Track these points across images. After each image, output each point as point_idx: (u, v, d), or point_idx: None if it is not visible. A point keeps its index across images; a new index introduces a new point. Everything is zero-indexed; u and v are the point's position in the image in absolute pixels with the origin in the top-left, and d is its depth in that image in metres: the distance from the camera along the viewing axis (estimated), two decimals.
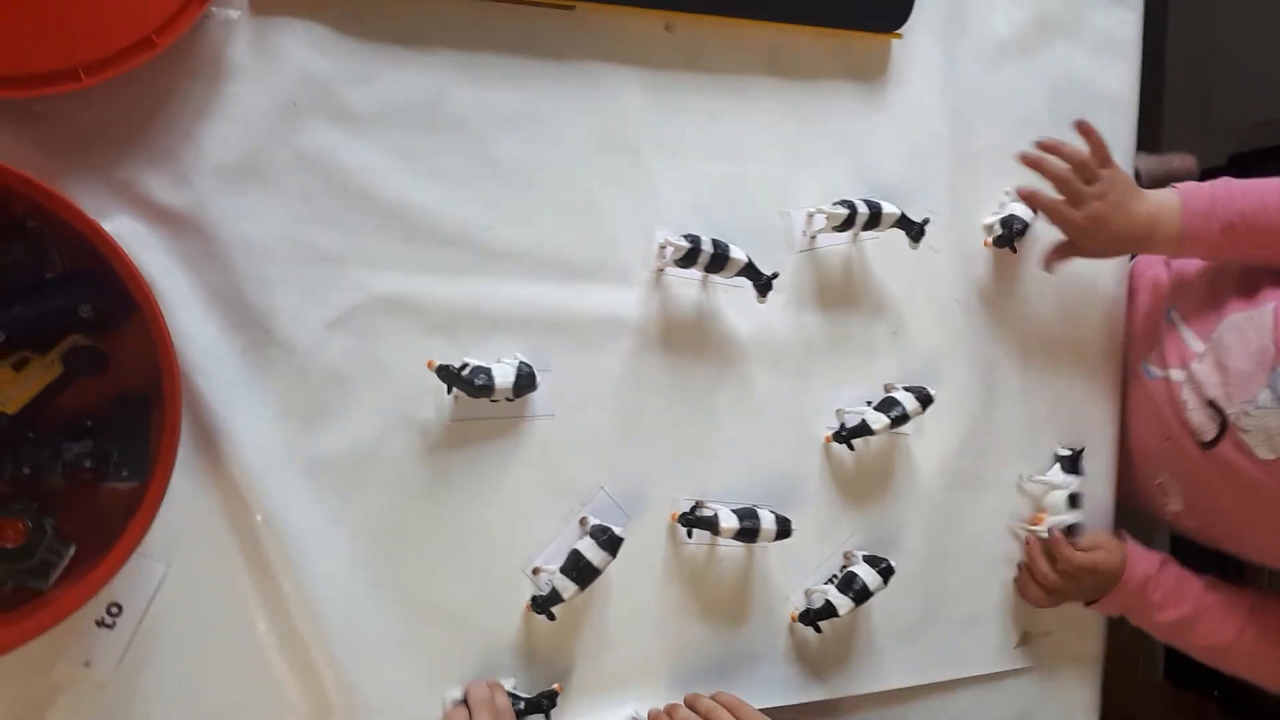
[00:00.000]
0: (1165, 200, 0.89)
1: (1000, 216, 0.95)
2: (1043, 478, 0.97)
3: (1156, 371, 0.96)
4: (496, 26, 0.79)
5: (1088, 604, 0.98)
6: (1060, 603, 0.97)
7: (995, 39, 0.97)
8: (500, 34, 0.80)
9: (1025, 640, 0.99)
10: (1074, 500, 0.96)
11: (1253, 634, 0.91)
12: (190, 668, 0.73)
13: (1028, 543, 0.97)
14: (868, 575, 0.86)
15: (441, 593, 0.79)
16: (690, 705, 0.80)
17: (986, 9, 0.97)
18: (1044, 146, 0.90)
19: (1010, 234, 0.94)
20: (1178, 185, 0.90)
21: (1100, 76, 1.01)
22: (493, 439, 0.80)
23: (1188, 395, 0.90)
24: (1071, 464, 0.97)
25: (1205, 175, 1.10)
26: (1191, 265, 0.98)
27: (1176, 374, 0.92)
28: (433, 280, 0.78)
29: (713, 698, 0.80)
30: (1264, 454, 0.83)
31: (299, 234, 0.75)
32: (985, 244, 0.96)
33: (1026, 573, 0.97)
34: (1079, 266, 0.99)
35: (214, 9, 0.72)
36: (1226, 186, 0.88)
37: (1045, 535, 0.95)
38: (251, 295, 0.74)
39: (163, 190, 0.71)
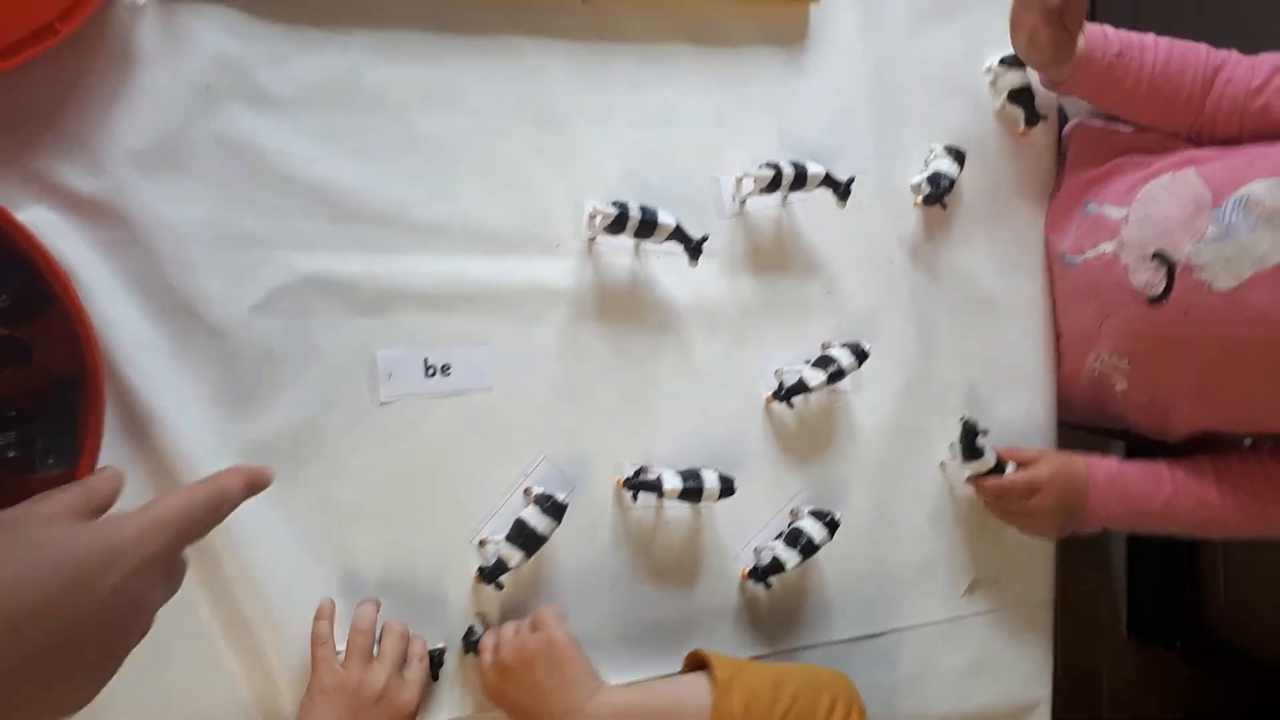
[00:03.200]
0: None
1: (927, 175, 0.97)
2: (956, 466, 0.97)
3: (1076, 258, 0.98)
4: (412, 3, 0.79)
5: (1080, 530, 0.97)
6: (1039, 530, 0.98)
7: (913, 1, 0.99)
8: (416, 10, 0.80)
9: (973, 588, 1.00)
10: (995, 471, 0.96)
11: (1229, 489, 0.91)
12: (128, 658, 0.72)
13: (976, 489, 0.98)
14: (814, 529, 0.88)
15: (387, 569, 0.79)
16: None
17: None
18: None
19: (938, 191, 0.96)
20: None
21: None
22: (432, 415, 0.81)
23: (1127, 258, 0.91)
24: (969, 447, 0.94)
25: None
26: (1093, 163, 1.01)
27: (1106, 246, 0.94)
28: (361, 258, 0.78)
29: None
30: (1225, 283, 0.83)
31: (221, 217, 0.74)
32: (915, 203, 0.97)
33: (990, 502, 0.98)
34: (1006, 215, 1.01)
35: None
36: (1118, 33, 0.92)
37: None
38: (176, 280, 0.73)
39: (77, 178, 0.70)
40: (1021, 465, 0.95)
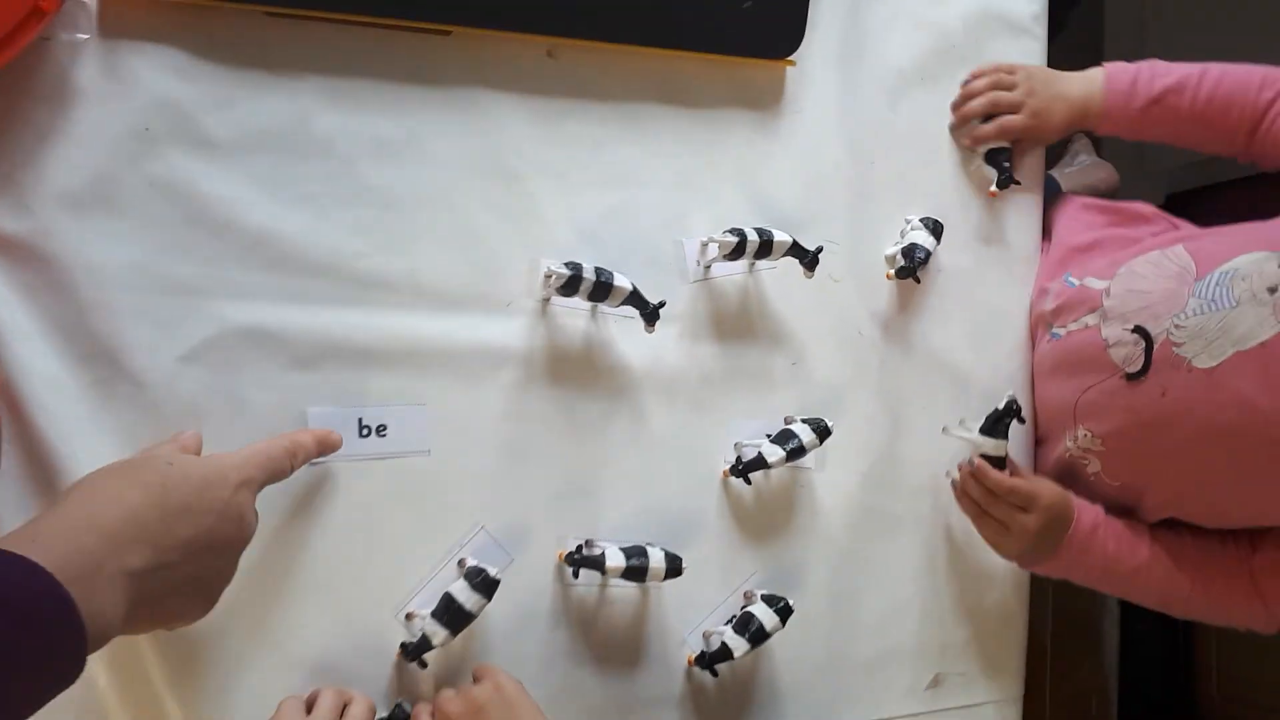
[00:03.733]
0: (1092, 80, 0.97)
1: (901, 246, 0.93)
2: (967, 434, 0.90)
3: (1060, 331, 0.94)
4: (366, 51, 0.77)
5: (1027, 566, 0.93)
6: (1007, 550, 0.91)
7: (894, 67, 0.96)
8: (371, 59, 0.77)
9: (937, 682, 0.95)
10: (1000, 462, 0.89)
11: (1203, 573, 0.87)
12: None
13: (960, 472, 0.92)
14: (765, 616, 0.83)
15: (308, 642, 0.75)
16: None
17: (883, 37, 0.96)
18: (963, 95, 0.99)
19: (913, 264, 0.92)
20: (1105, 65, 0.97)
21: None
22: (364, 478, 0.77)
23: (1108, 332, 0.87)
24: (1003, 427, 0.88)
25: None
26: (1079, 237, 1.00)
27: (1089, 319, 0.90)
28: (297, 311, 0.75)
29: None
30: (1205, 362, 0.79)
31: (151, 264, 0.71)
32: (888, 276, 0.94)
33: (966, 506, 0.92)
34: (985, 289, 0.98)
35: (60, 31, 0.69)
36: (1151, 68, 0.95)
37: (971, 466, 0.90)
38: (99, 327, 0.70)
39: (0, 217, 0.67)
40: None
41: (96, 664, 0.69)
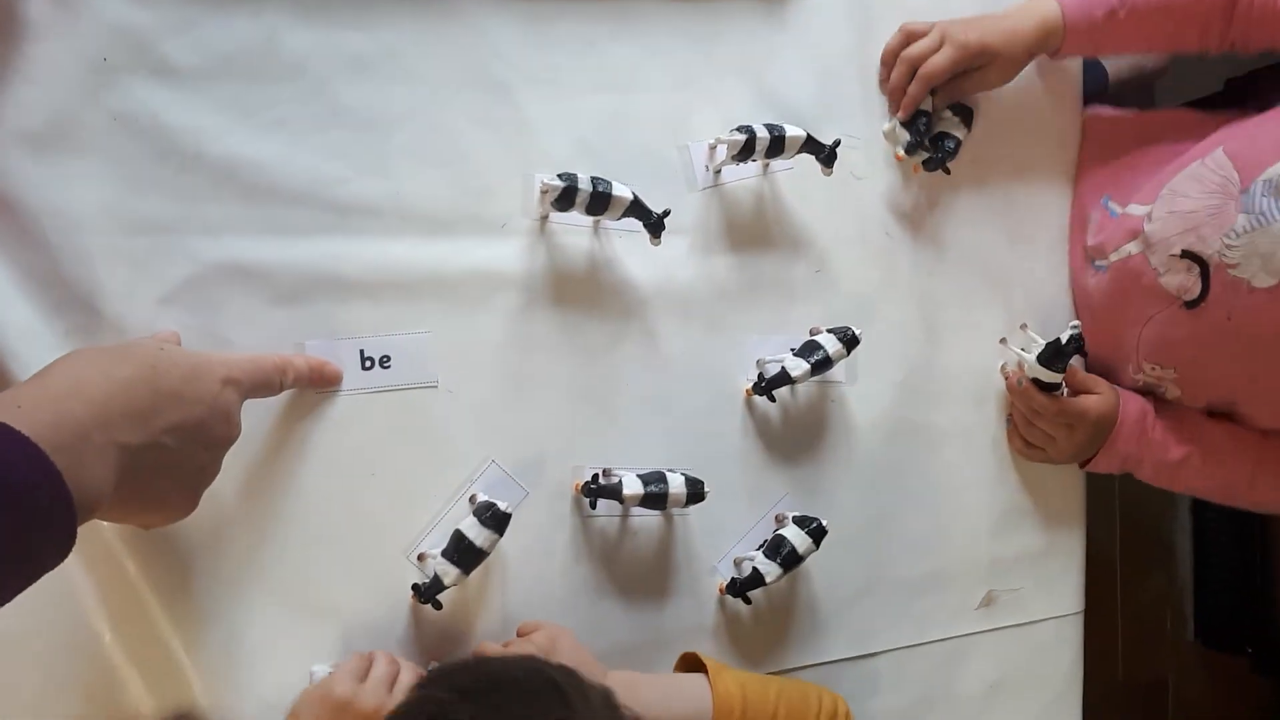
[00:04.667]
0: (1036, 2, 0.85)
1: (929, 135, 0.86)
2: (1025, 355, 0.84)
3: (1103, 263, 0.87)
4: None
5: (1082, 465, 0.89)
6: (1050, 458, 0.88)
7: None
8: None
9: (989, 601, 0.89)
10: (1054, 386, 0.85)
11: (1272, 459, 0.82)
12: (31, 695, 0.66)
13: (1007, 379, 0.88)
14: (797, 538, 0.78)
15: (319, 586, 0.72)
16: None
17: None
18: (884, 60, 0.87)
19: (943, 155, 0.85)
20: None
21: None
22: (368, 413, 0.73)
23: (1156, 260, 0.80)
24: (1062, 360, 0.82)
25: (1198, 104, 1.00)
26: (1114, 157, 0.90)
27: (1131, 247, 0.83)
28: (278, 243, 0.71)
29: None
30: (1264, 281, 0.73)
31: (121, 203, 0.68)
32: (914, 170, 0.87)
33: (1015, 414, 0.89)
34: (1022, 188, 0.91)
35: None
36: None
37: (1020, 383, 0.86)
38: (72, 273, 0.67)
39: None
40: (1073, 388, 0.85)
41: (101, 620, 0.67)
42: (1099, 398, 0.85)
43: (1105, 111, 0.96)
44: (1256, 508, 0.86)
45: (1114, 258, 0.85)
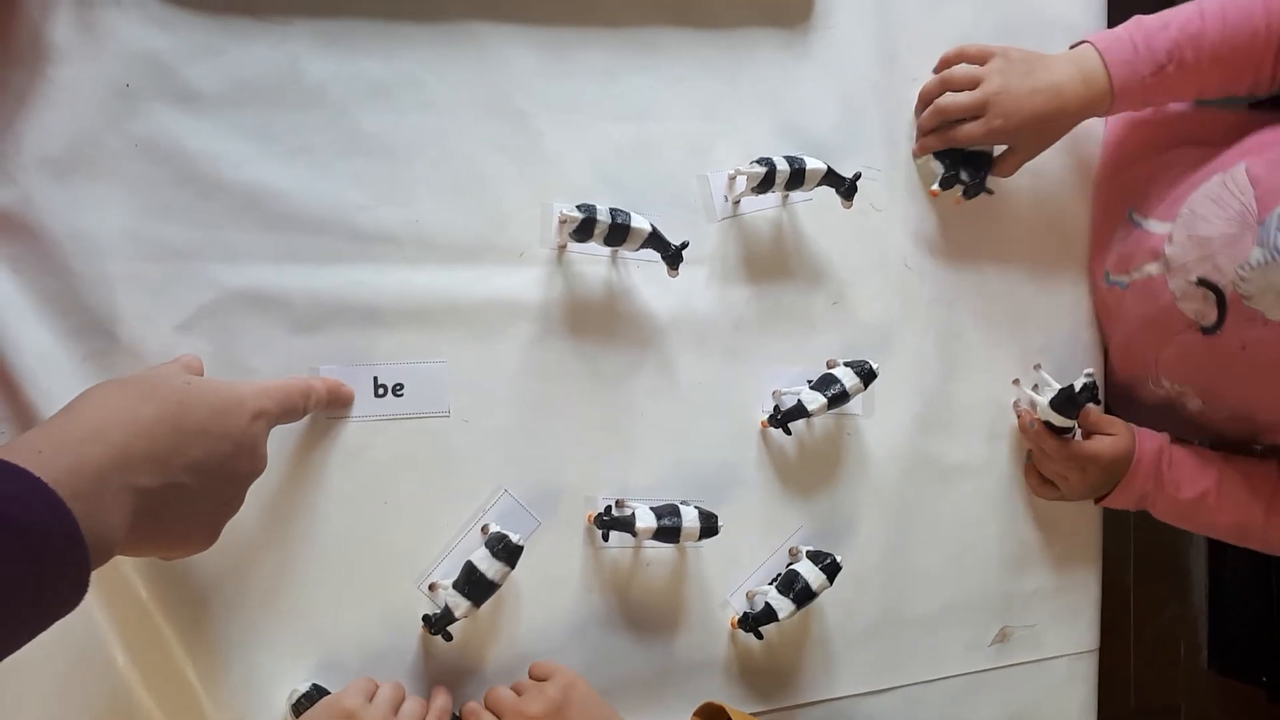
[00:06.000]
0: (1083, 61, 0.81)
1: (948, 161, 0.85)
2: (1038, 398, 0.85)
3: (1123, 279, 0.86)
4: None
5: (1098, 501, 0.89)
6: (1064, 497, 0.88)
7: None
8: None
9: (1003, 637, 0.89)
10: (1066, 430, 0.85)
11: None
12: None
13: (1020, 418, 0.88)
14: (810, 574, 0.77)
15: (329, 617, 0.72)
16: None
17: None
18: (922, 98, 0.86)
19: (981, 178, 0.84)
20: (1089, 38, 0.82)
21: (1058, 6, 0.91)
22: (380, 443, 0.73)
23: (1174, 284, 0.80)
24: (1074, 407, 0.82)
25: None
26: (1137, 164, 0.89)
27: (1151, 268, 0.82)
28: (297, 270, 0.71)
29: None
30: (1278, 314, 0.72)
31: (141, 228, 0.68)
32: (932, 193, 0.86)
33: (1027, 458, 0.89)
34: (1045, 215, 0.90)
35: None
36: (1140, 28, 0.81)
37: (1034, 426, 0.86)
38: (91, 298, 0.67)
39: None
40: (1088, 429, 0.85)
41: (115, 644, 0.67)
42: (1112, 440, 0.84)
43: (1132, 114, 0.92)
44: (1269, 549, 0.84)
45: (1135, 275, 0.84)
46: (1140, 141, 0.90)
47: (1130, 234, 0.86)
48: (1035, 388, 0.85)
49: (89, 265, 0.66)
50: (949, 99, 0.82)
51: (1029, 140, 0.83)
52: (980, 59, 0.83)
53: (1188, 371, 0.83)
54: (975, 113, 0.81)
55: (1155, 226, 0.83)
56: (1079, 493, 0.87)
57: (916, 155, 0.86)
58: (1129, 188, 0.89)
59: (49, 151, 0.66)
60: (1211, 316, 0.77)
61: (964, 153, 0.84)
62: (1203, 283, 0.77)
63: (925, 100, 0.85)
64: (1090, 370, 0.80)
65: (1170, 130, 0.89)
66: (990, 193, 0.85)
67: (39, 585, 0.42)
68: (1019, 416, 0.88)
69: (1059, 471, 0.86)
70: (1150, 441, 0.85)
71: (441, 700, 0.71)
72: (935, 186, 0.85)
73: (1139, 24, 0.81)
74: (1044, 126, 0.82)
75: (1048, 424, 0.84)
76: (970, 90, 0.82)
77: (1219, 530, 0.86)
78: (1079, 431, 0.85)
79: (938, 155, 0.85)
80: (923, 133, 0.85)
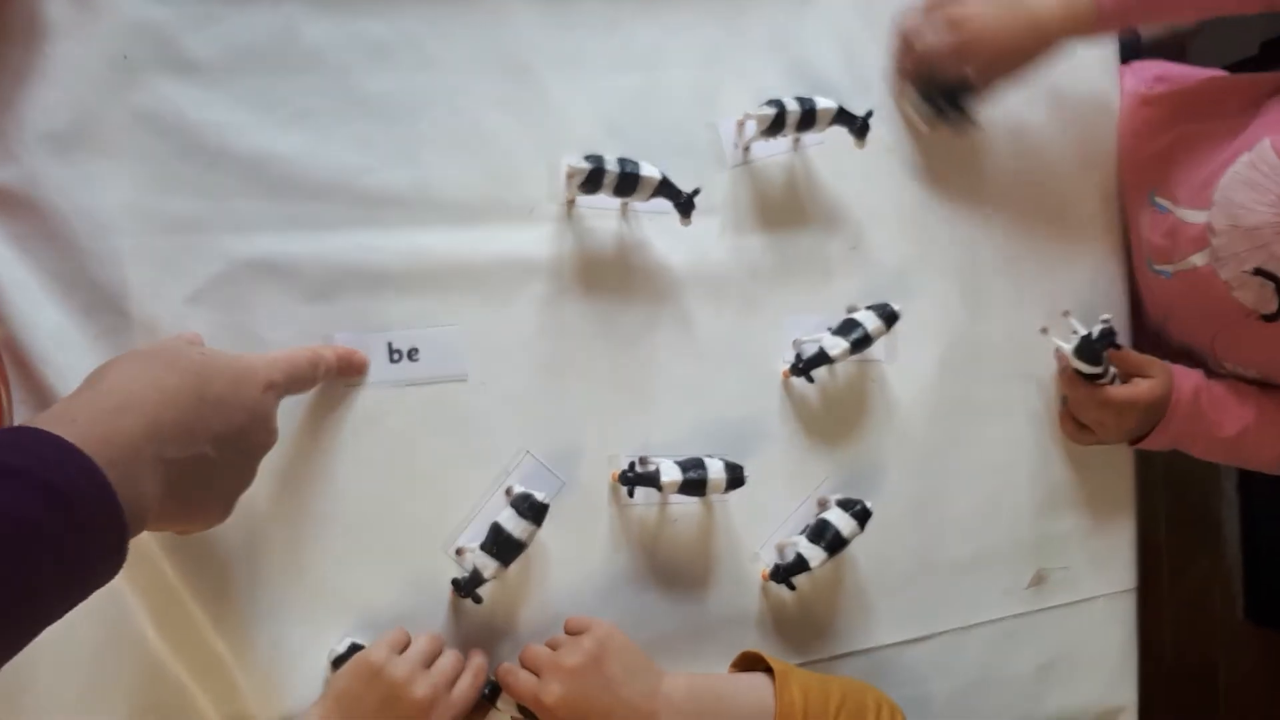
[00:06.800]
0: None
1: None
2: (1064, 344, 0.83)
3: (1167, 269, 0.84)
4: None
5: (1133, 443, 0.87)
6: (1101, 441, 0.86)
7: None
8: None
9: (1039, 580, 0.87)
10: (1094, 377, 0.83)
11: None
12: (74, 694, 0.66)
13: (1059, 363, 0.86)
14: (841, 521, 0.76)
15: (357, 584, 0.71)
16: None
17: None
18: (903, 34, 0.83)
19: (961, 112, 0.82)
20: None
21: None
22: (399, 409, 0.72)
23: (1226, 274, 0.78)
24: (1093, 353, 0.81)
25: (1233, 68, 0.96)
26: (1149, 143, 0.87)
27: (1196, 259, 0.80)
28: (306, 237, 0.70)
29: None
30: None
31: (147, 202, 0.67)
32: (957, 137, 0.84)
33: (1062, 404, 0.87)
34: (1063, 154, 0.88)
35: None
36: None
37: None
38: (100, 274, 0.66)
39: None
40: (1126, 371, 0.83)
41: (145, 619, 0.67)
42: (1150, 384, 0.82)
43: (1139, 90, 0.91)
44: None
45: (1180, 266, 0.82)
46: (1151, 119, 0.88)
47: (1162, 222, 0.83)
48: (1063, 339, 0.83)
49: (97, 241, 0.66)
50: (925, 43, 0.80)
51: (1005, 68, 0.81)
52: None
53: (1248, 355, 0.82)
54: (953, 51, 0.79)
55: (1190, 215, 0.80)
56: (1116, 437, 0.86)
57: (898, 98, 0.84)
58: (1148, 169, 0.87)
59: (51, 128, 0.65)
60: (1272, 304, 0.75)
61: (941, 86, 0.82)
62: (1260, 272, 0.75)
63: (905, 40, 0.83)
64: (1107, 316, 0.79)
65: (1183, 105, 0.87)
66: (976, 124, 0.83)
67: (80, 551, 0.42)
68: (1059, 360, 0.86)
69: (1096, 418, 0.84)
70: (1187, 380, 0.83)
71: (480, 659, 0.71)
72: (922, 126, 0.84)
73: None
74: (1019, 56, 0.80)
75: (1078, 372, 0.82)
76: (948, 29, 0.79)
77: (1264, 464, 0.84)
78: (1115, 375, 0.83)
79: (919, 94, 0.83)
80: (901, 75, 0.83)
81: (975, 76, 0.80)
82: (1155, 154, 0.86)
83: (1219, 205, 0.77)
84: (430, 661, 0.68)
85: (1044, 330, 0.87)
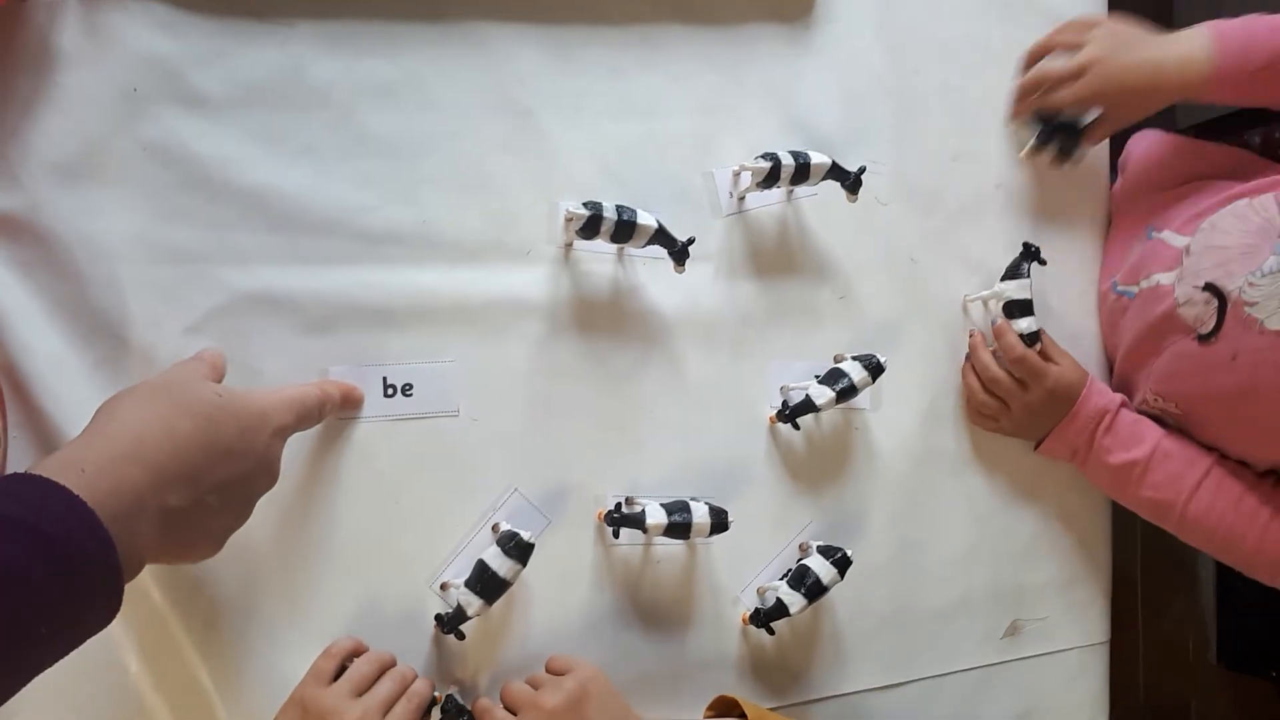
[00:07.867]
0: (1191, 42, 0.80)
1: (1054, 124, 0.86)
2: (986, 291, 0.86)
3: (1131, 288, 0.86)
4: None
5: (1036, 448, 0.88)
6: (1003, 427, 0.86)
7: None
8: None
9: (1015, 629, 0.88)
10: (1025, 307, 0.84)
11: (1209, 491, 0.80)
12: None
13: (971, 338, 0.87)
14: (821, 568, 0.77)
15: (342, 616, 0.72)
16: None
17: None
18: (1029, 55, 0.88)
19: (1071, 143, 0.86)
20: (1208, 24, 0.81)
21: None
22: (390, 440, 0.73)
23: (1180, 290, 0.79)
24: (1015, 265, 0.84)
25: (1224, 120, 0.98)
26: (1164, 188, 0.89)
27: (1161, 277, 0.82)
28: (306, 272, 0.71)
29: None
30: (1277, 323, 0.72)
31: (150, 232, 0.68)
32: (1053, 165, 0.89)
33: (969, 378, 0.87)
34: (1054, 209, 0.90)
35: None
36: (1258, 20, 0.79)
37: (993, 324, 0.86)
38: (101, 302, 0.67)
39: None
40: (1043, 354, 0.85)
41: (128, 651, 0.67)
42: (1061, 368, 0.84)
43: (1164, 136, 0.93)
44: (1183, 535, 0.82)
45: (1144, 284, 0.84)
46: (1165, 172, 0.90)
47: (1148, 245, 0.85)
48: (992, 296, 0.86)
49: (99, 269, 0.67)
50: (1049, 64, 0.85)
51: (1120, 110, 0.84)
52: (1086, 28, 0.85)
53: (1175, 383, 0.82)
54: (1074, 78, 0.83)
55: (1174, 239, 0.82)
56: (1018, 420, 0.85)
57: (1013, 119, 0.89)
58: (1151, 210, 0.88)
59: (58, 157, 0.66)
60: (1209, 323, 0.77)
61: (1056, 119, 0.86)
62: (1209, 287, 0.77)
63: (1029, 62, 0.87)
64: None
65: (1198, 162, 0.89)
66: (1078, 161, 0.87)
67: (74, 603, 0.42)
68: (971, 337, 0.87)
69: (1005, 387, 0.84)
70: (1099, 398, 0.84)
71: (420, 684, 0.69)
72: (1029, 147, 0.88)
73: (1258, 19, 0.80)
74: (1136, 100, 0.83)
75: (1010, 304, 0.83)
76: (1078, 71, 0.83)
77: (1139, 505, 0.84)
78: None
79: (1032, 121, 0.87)
80: (1021, 97, 0.87)
81: (1100, 120, 0.85)
82: (1161, 199, 0.88)
83: (1203, 231, 0.79)
84: (366, 687, 0.67)
85: (966, 298, 0.88)
